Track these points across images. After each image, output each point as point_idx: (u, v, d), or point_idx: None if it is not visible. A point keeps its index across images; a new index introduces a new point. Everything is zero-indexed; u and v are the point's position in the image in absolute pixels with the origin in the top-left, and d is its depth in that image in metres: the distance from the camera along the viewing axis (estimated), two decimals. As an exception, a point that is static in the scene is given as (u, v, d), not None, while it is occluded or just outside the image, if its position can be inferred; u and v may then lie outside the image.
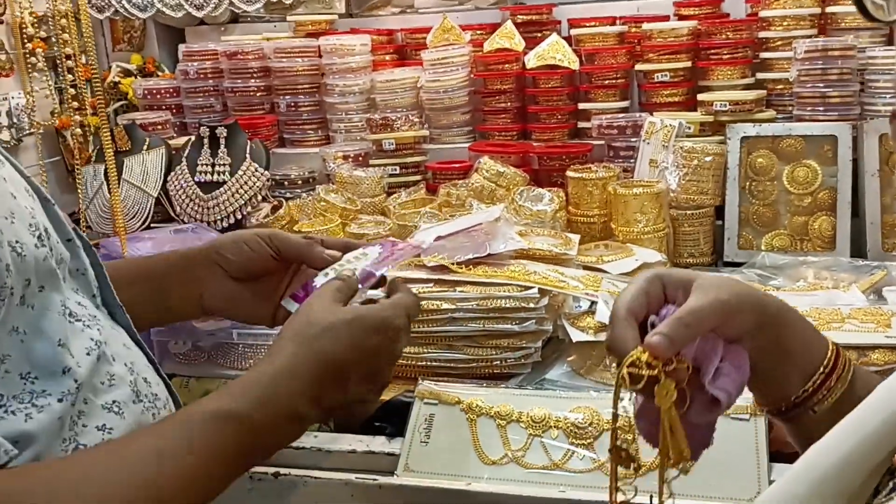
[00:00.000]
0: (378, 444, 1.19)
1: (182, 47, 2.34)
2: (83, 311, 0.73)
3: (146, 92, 2.30)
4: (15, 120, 2.21)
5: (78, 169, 1.73)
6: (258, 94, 2.25)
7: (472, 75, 2.15)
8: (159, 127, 2.21)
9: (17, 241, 0.64)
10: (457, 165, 2.03)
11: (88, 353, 0.70)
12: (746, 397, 1.12)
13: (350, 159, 2.07)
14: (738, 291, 0.71)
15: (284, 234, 1.02)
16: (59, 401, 0.66)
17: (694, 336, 0.68)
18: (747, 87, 1.96)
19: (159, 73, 2.47)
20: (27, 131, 2.21)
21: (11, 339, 0.64)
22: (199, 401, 0.77)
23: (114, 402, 0.71)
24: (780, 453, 1.11)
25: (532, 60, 2.09)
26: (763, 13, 1.97)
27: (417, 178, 2.06)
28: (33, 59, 2.12)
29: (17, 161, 0.76)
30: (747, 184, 1.79)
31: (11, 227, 0.65)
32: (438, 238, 1.44)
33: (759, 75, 1.97)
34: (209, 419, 0.70)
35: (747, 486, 1.07)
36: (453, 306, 1.32)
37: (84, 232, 2.06)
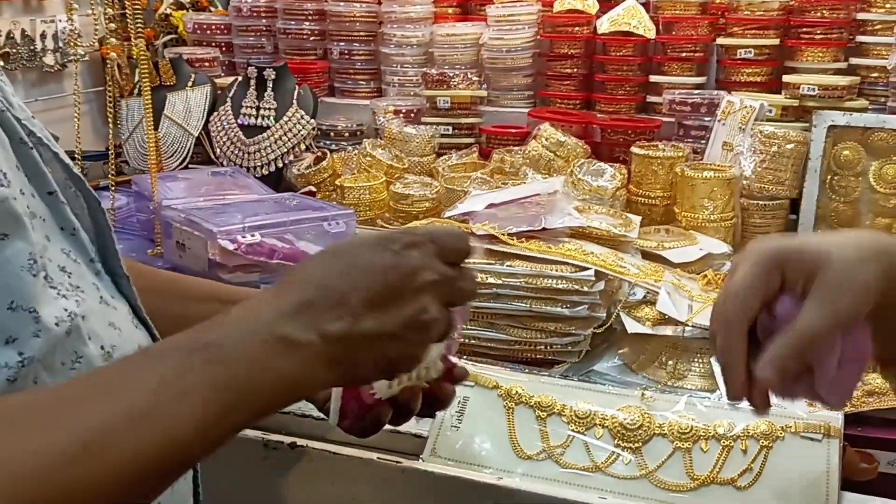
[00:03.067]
0: (406, 424, 1.09)
1: (237, -18, 2.24)
2: (63, 278, 0.62)
3: (196, 26, 2.21)
4: (60, 44, 2.14)
5: (110, 100, 1.64)
6: (311, 38, 2.14)
7: (538, 36, 2.02)
8: (206, 64, 2.12)
9: None
10: (513, 131, 1.91)
11: (58, 324, 0.59)
12: (823, 416, 1.01)
13: (401, 115, 1.96)
14: (877, 275, 0.62)
15: None
16: None
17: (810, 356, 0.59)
18: (838, 72, 1.80)
19: (212, 9, 2.37)
20: (72, 57, 2.14)
21: None
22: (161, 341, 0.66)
23: None
24: (850, 481, 1.00)
25: (604, 25, 1.95)
26: (863, -7, 1.80)
27: (470, 140, 1.95)
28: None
29: (5, 91, 0.65)
30: (829, 177, 1.64)
31: None
32: (490, 206, 1.33)
33: (853, 60, 1.81)
34: (168, 350, 0.57)
35: (813, 513, 0.95)
36: (499, 281, 1.21)
37: (122, 168, 1.99)
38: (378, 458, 1.06)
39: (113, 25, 2.02)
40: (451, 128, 1.95)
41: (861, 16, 1.80)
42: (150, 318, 0.74)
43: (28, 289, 0.57)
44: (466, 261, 0.65)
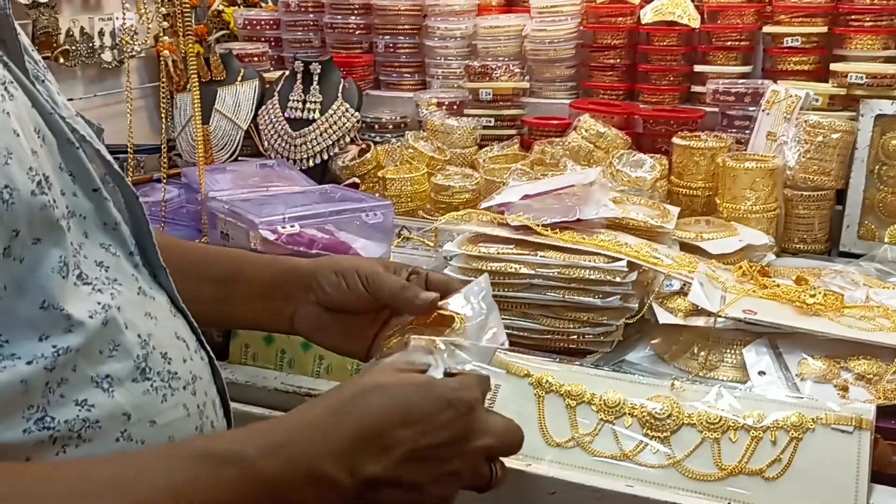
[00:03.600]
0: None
1: (286, -22, 2.28)
2: (99, 272, 0.65)
3: (246, 22, 2.26)
4: (118, 41, 2.22)
5: (165, 96, 1.70)
6: (357, 32, 2.18)
7: (581, 27, 2.02)
8: (256, 59, 2.18)
9: (6, 186, 0.56)
10: (555, 122, 1.92)
11: (92, 316, 0.62)
12: (855, 408, 1.00)
13: (444, 107, 1.98)
14: None
15: (382, 276, 0.91)
16: (29, 363, 0.57)
17: None
18: (888, 60, 1.75)
19: (262, 4, 2.44)
20: (129, 53, 2.22)
21: None
22: (197, 437, 0.68)
23: (107, 376, 0.62)
24: (881, 474, 0.99)
25: (648, 15, 1.94)
26: (917, -22, 1.75)
27: (512, 132, 1.96)
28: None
29: (50, 91, 0.68)
30: (876, 167, 1.61)
31: (5, 168, 0.56)
32: (526, 197, 1.35)
33: (904, 48, 1.76)
34: (201, 457, 0.58)
35: (842, 505, 0.95)
36: (532, 272, 1.23)
37: (175, 161, 2.06)
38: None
39: (166, 24, 2.08)
40: (493, 119, 1.96)
41: (914, 1, 1.75)
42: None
43: (57, 289, 0.59)
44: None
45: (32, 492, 0.53)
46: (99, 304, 0.63)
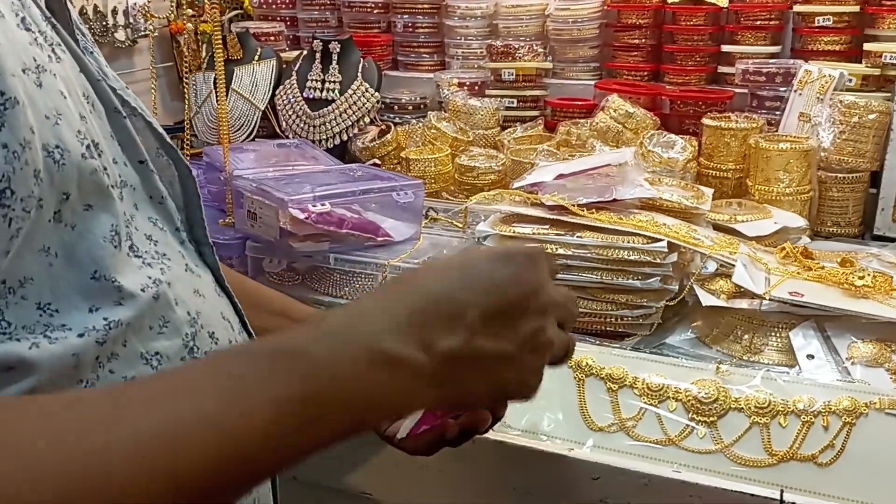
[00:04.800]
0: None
1: (302, -44, 2.24)
2: (149, 246, 0.62)
3: (262, 1, 2.22)
4: (131, 20, 2.18)
5: (187, 76, 1.67)
6: (375, 11, 2.14)
7: (605, 6, 1.97)
8: (272, 38, 2.13)
9: (56, 146, 0.52)
10: (579, 103, 1.88)
11: (144, 290, 0.59)
12: (910, 393, 0.97)
13: (465, 87, 1.94)
14: None
15: None
16: (80, 335, 0.54)
17: None
18: (923, 40, 1.72)
19: (277, -16, 2.39)
20: (142, 32, 2.18)
21: (38, 261, 0.53)
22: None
23: (156, 353, 0.59)
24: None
25: (675, -7, 1.89)
26: (953, -44, 1.71)
27: (535, 113, 1.92)
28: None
29: (99, 62, 0.65)
30: (912, 149, 1.57)
31: (55, 128, 0.52)
32: (560, 176, 1.32)
33: (939, 27, 1.72)
34: (250, 354, 0.51)
35: (898, 494, 0.92)
36: (570, 252, 1.20)
37: (192, 141, 2.02)
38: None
39: (183, 1, 2.05)
40: (515, 100, 1.92)
41: (949, -20, 1.71)
42: None
43: (109, 259, 0.57)
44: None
45: (85, 400, 0.48)
46: (150, 277, 0.60)
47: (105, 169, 0.58)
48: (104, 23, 2.12)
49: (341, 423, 0.50)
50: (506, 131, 1.84)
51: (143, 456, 0.43)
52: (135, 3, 2.17)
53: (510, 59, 1.94)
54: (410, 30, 2.11)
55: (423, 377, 0.52)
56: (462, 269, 0.56)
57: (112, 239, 0.57)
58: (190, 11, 1.94)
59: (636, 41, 1.95)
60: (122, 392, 0.49)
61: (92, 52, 0.67)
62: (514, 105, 1.92)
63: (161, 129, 0.70)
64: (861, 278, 1.10)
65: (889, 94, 1.60)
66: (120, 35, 2.17)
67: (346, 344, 0.51)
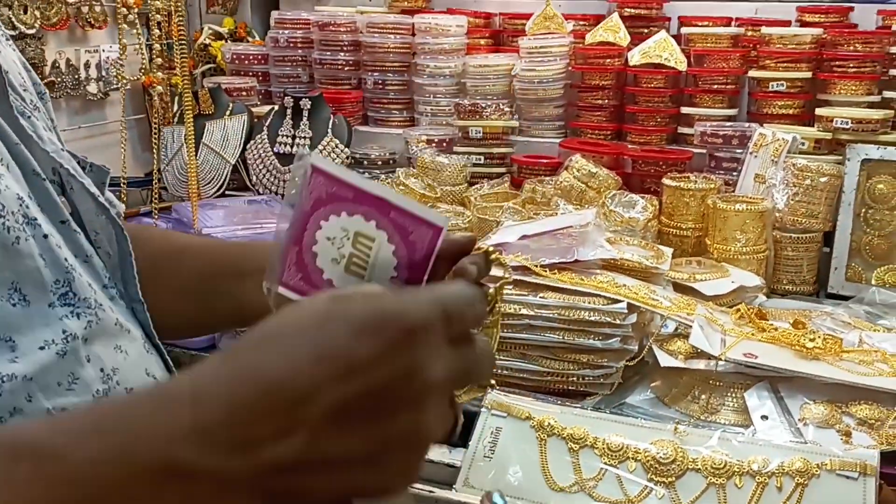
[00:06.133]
0: (438, 453, 1.11)
1: (275, 14, 2.29)
2: (89, 293, 0.64)
3: (234, 56, 2.26)
4: (103, 73, 2.20)
5: (155, 129, 1.69)
6: (346, 69, 2.18)
7: (570, 68, 2.04)
8: (244, 93, 2.17)
9: None
10: (545, 161, 1.93)
11: (43, 348, 0.59)
12: (859, 454, 1.00)
13: (434, 144, 1.98)
14: None
15: None
16: None
17: None
18: (871, 106, 1.79)
19: (250, 39, 2.43)
20: (114, 86, 2.20)
21: None
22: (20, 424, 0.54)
23: (63, 409, 0.59)
24: (887, 520, 0.99)
25: (636, 57, 1.96)
26: (897, 26, 1.80)
27: (502, 170, 1.97)
28: (126, 13, 2.09)
29: (35, 126, 0.68)
30: (863, 211, 1.63)
31: None
32: (524, 237, 1.35)
33: (886, 94, 1.80)
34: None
35: (849, 554, 0.95)
36: (532, 312, 1.22)
37: (161, 194, 2.04)
38: (411, 487, 1.07)
39: (155, 57, 2.07)
40: (482, 157, 1.97)
41: (895, 49, 1.80)
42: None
43: (8, 315, 0.57)
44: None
45: None
46: (64, 332, 0.61)
47: (5, 228, 0.58)
48: (76, 76, 2.14)
49: None
50: (473, 188, 1.87)
51: None
52: (107, 57, 2.19)
53: (478, 117, 1.99)
54: (381, 87, 2.16)
55: (237, 490, 0.40)
56: (315, 340, 0.42)
57: (10, 297, 0.58)
58: (159, 61, 1.97)
59: (599, 102, 2.01)
60: None
61: (29, 117, 0.69)
62: (482, 161, 1.97)
63: (94, 190, 0.71)
64: (812, 340, 1.14)
65: (840, 158, 1.67)
66: (92, 88, 2.19)
67: (124, 449, 0.39)
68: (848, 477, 0.98)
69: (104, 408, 0.44)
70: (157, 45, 1.89)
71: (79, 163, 0.74)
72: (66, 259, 0.63)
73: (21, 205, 0.61)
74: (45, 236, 0.62)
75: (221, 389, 0.40)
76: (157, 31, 1.90)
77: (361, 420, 0.41)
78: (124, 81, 1.58)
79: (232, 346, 0.43)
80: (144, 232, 0.83)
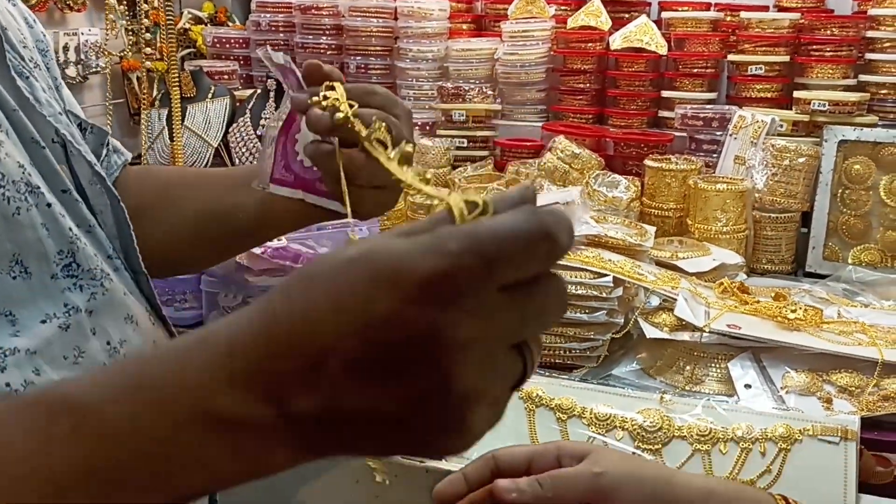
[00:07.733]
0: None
1: (256, -2, 2.28)
2: (96, 262, 0.64)
3: (215, 40, 2.25)
4: (82, 57, 2.18)
5: (140, 110, 1.68)
6: (328, 53, 2.18)
7: (552, 52, 2.05)
8: (226, 77, 2.16)
9: None
10: (528, 144, 1.94)
11: (45, 322, 0.59)
12: (840, 419, 1.03)
13: (417, 127, 1.99)
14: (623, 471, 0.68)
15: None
16: None
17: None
18: (848, 89, 1.83)
19: (230, 24, 2.42)
20: (93, 69, 2.18)
21: None
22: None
23: None
24: (866, 484, 1.02)
25: (617, 41, 1.98)
26: (872, 11, 1.83)
27: (485, 153, 1.98)
28: (107, -4, 2.08)
29: (33, 87, 0.67)
30: (840, 191, 1.67)
31: None
32: (509, 214, 1.36)
33: (862, 77, 1.84)
34: (32, 405, 0.41)
35: (831, 515, 0.97)
36: (519, 287, 1.24)
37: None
38: (402, 458, 1.08)
39: (134, 38, 2.06)
40: (465, 140, 1.98)
41: (870, 34, 1.83)
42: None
43: (8, 290, 0.57)
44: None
45: None
46: (66, 305, 0.61)
47: (6, 198, 0.58)
48: (55, 59, 2.12)
49: (154, 493, 0.40)
50: (457, 170, 1.88)
51: None
52: (86, 41, 2.17)
53: (461, 100, 2.00)
54: (363, 71, 2.16)
55: (277, 439, 0.40)
56: (334, 293, 0.39)
57: (10, 269, 0.58)
58: (149, 50, 1.95)
59: (581, 85, 2.03)
60: None
61: (27, 77, 0.68)
62: (465, 145, 1.98)
63: (92, 158, 0.71)
64: (793, 311, 1.17)
65: (817, 139, 1.70)
66: (71, 71, 2.16)
67: (160, 405, 0.39)
68: (829, 442, 1.01)
69: (139, 360, 0.43)
70: (140, 29, 1.88)
71: (80, 125, 0.73)
72: (70, 228, 0.63)
73: (24, 173, 0.61)
74: (49, 205, 0.62)
75: (256, 340, 0.40)
76: (145, 18, 1.89)
77: (381, 376, 0.38)
78: (112, 57, 1.57)
79: (268, 292, 0.42)
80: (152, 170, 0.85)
